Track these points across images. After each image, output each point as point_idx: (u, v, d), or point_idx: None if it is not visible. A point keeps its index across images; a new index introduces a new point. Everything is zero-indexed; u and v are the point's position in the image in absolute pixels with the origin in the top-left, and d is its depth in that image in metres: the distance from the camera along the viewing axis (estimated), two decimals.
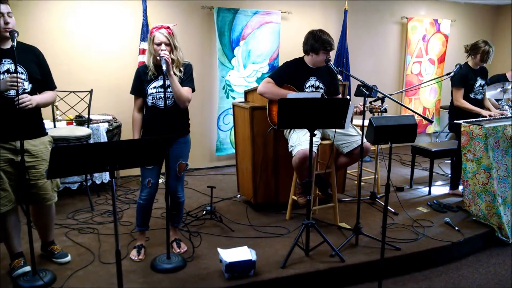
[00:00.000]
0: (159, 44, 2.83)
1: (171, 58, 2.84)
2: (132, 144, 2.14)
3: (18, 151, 2.58)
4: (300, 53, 3.76)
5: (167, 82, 2.84)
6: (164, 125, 2.88)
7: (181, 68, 2.96)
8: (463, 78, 4.38)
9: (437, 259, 3.37)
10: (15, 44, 2.44)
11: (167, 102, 2.89)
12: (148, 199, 3.02)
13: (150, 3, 4.80)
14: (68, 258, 3.00)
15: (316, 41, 3.52)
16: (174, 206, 3.15)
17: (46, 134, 2.85)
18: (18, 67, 2.56)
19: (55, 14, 4.53)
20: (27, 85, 2.64)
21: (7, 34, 2.51)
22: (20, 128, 2.51)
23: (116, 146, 2.10)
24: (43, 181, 2.76)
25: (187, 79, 2.99)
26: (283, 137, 3.79)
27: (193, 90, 3.03)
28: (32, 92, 2.66)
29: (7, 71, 2.57)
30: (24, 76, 2.62)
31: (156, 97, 2.92)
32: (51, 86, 2.81)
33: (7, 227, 2.77)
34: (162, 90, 2.90)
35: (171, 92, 2.88)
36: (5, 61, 2.57)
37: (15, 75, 2.44)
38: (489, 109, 4.50)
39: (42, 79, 2.74)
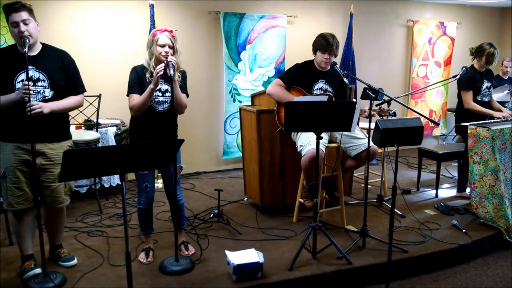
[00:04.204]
0: (163, 46, 2.84)
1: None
2: (142, 147, 2.17)
3: (35, 152, 2.61)
4: (306, 57, 3.79)
5: (166, 87, 2.89)
6: (158, 128, 2.92)
7: (179, 74, 2.98)
8: (471, 81, 4.37)
9: (444, 262, 3.36)
10: (27, 50, 2.48)
11: (164, 106, 2.94)
12: (147, 203, 3.04)
13: (157, 8, 4.86)
14: (74, 261, 3.03)
15: (316, 40, 3.63)
16: (175, 208, 3.17)
17: (68, 139, 2.89)
18: (40, 75, 2.64)
19: (64, 19, 4.60)
20: (48, 92, 2.69)
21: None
22: (35, 131, 2.55)
23: (126, 149, 2.13)
24: (56, 184, 2.80)
25: (184, 85, 3.04)
26: (290, 140, 3.81)
27: (187, 96, 3.07)
28: (54, 99, 2.70)
29: (30, 78, 2.60)
30: (45, 84, 2.67)
31: (154, 100, 2.91)
32: (75, 91, 2.83)
33: (21, 226, 2.81)
34: (160, 94, 2.92)
35: (169, 96, 2.92)
36: (29, 68, 2.59)
37: (26, 82, 2.49)
38: (500, 110, 4.50)
39: (67, 84, 2.77)
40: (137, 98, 2.87)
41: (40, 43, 2.74)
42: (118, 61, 4.88)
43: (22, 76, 2.61)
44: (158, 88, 2.89)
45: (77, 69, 2.86)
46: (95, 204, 4.12)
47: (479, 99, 4.43)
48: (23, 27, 2.55)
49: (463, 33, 7.18)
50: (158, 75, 2.75)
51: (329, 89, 3.69)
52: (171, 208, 2.98)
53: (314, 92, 3.66)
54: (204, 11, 5.25)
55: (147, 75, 2.92)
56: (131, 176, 5.01)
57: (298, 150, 3.54)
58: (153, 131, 2.94)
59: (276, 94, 3.62)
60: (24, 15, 2.56)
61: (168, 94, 2.92)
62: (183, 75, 3.04)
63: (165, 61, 2.82)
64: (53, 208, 2.90)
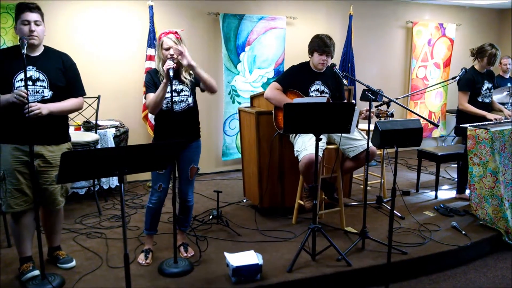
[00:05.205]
0: (167, 49, 2.87)
1: (179, 63, 2.87)
2: (141, 149, 2.16)
3: (33, 154, 2.61)
4: (306, 58, 3.79)
5: (181, 87, 2.90)
6: (178, 129, 2.93)
7: (191, 72, 2.99)
8: (470, 82, 4.37)
9: (444, 263, 3.36)
10: (25, 51, 2.49)
11: (181, 105, 2.94)
12: (158, 203, 3.05)
13: (156, 9, 4.85)
14: (73, 263, 3.02)
15: (313, 41, 3.62)
16: (183, 209, 3.18)
17: (67, 141, 2.89)
18: (40, 74, 2.66)
19: (63, 20, 4.59)
20: (47, 93, 2.69)
21: (33, 41, 2.60)
22: (33, 133, 2.55)
23: (125, 151, 2.13)
24: (53, 186, 2.80)
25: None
26: (289, 142, 3.80)
27: None
28: (53, 99, 2.70)
29: (30, 78, 2.63)
30: (44, 84, 2.68)
31: (170, 101, 2.94)
32: (75, 93, 2.84)
33: (20, 228, 2.80)
34: (176, 94, 2.95)
35: (184, 95, 2.94)
36: (29, 68, 2.63)
37: (22, 90, 2.49)
38: (501, 110, 4.48)
39: (66, 86, 2.78)
40: (151, 96, 2.91)
41: (43, 45, 2.76)
42: (117, 63, 4.88)
43: (22, 75, 2.61)
44: (173, 88, 2.90)
45: (77, 72, 2.88)
46: (94, 205, 4.11)
47: (479, 100, 4.43)
48: (33, 27, 2.60)
49: (462, 34, 7.18)
50: (167, 69, 2.77)
51: (326, 90, 3.68)
52: (175, 210, 2.96)
53: (311, 94, 3.65)
54: (203, 12, 5.24)
55: (160, 78, 2.94)
56: (130, 177, 5.01)
57: (295, 155, 3.54)
58: (173, 131, 2.94)
59: (274, 98, 3.61)
60: (37, 16, 2.62)
61: (183, 93, 2.95)
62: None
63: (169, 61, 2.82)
64: (51, 210, 2.89)
